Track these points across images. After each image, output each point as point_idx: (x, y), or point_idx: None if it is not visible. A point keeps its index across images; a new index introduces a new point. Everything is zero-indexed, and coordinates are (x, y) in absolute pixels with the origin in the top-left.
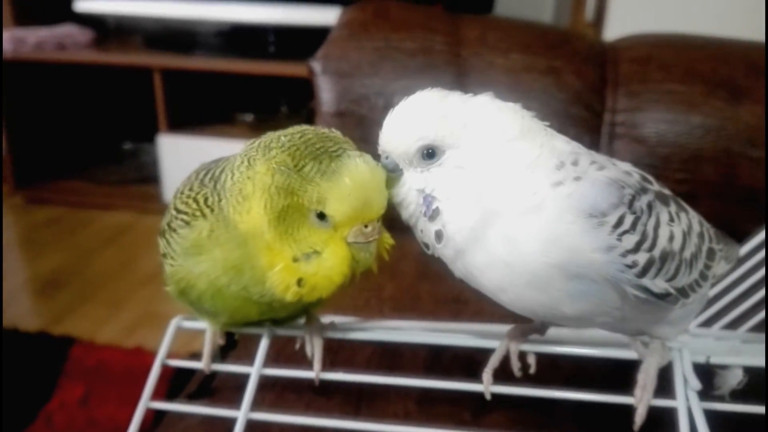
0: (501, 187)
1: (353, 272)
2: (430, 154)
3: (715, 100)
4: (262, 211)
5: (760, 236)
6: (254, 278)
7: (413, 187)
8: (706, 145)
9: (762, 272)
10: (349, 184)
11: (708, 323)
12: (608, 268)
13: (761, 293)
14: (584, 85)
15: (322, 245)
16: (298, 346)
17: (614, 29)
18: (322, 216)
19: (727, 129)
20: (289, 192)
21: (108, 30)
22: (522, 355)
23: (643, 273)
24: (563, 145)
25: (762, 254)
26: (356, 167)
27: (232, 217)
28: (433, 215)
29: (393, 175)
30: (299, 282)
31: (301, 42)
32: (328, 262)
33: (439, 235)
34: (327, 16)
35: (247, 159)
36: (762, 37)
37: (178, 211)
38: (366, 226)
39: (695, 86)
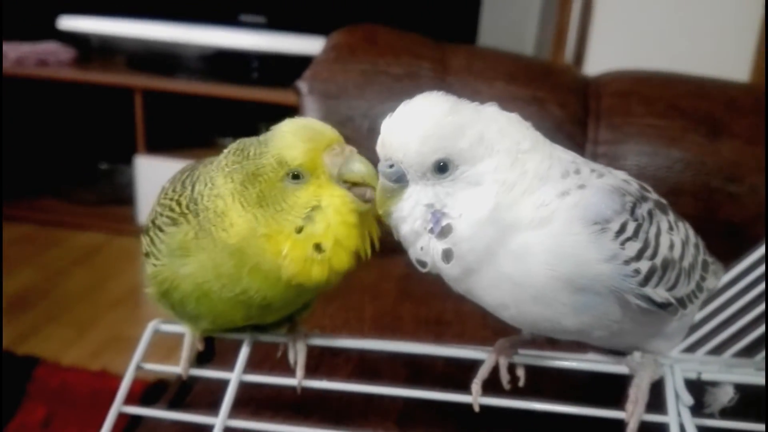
0: (516, 201)
1: (370, 231)
2: (442, 167)
3: (695, 135)
4: (243, 211)
5: (739, 267)
6: (257, 279)
7: (421, 201)
8: (685, 179)
9: (745, 300)
10: (289, 128)
11: (691, 349)
12: (612, 277)
13: (744, 320)
14: (567, 116)
15: (316, 198)
16: (279, 353)
17: (593, 69)
18: (295, 176)
19: (707, 164)
20: (252, 177)
21: (91, 49)
22: (511, 368)
23: (646, 281)
24: (564, 154)
25: (744, 283)
26: (288, 121)
27: (217, 236)
28: (444, 233)
29: (397, 185)
30: (318, 248)
31: (283, 69)
32: (331, 208)
33: (447, 254)
34: (310, 45)
35: (210, 180)
36: (737, 77)
37: (163, 207)
38: (333, 150)
39: (676, 121)
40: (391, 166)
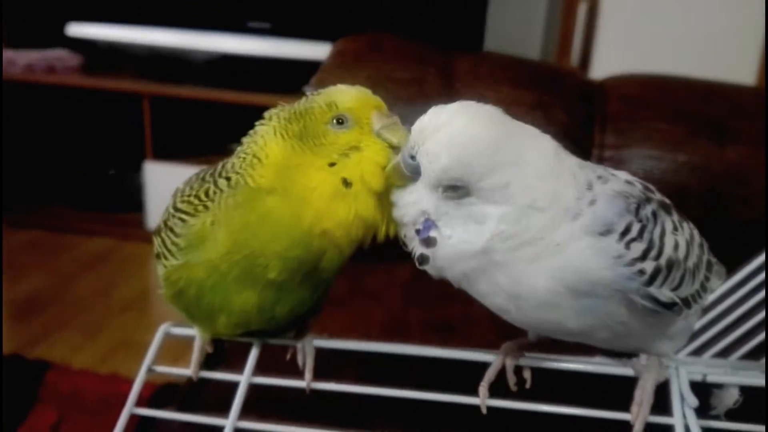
0: (510, 249)
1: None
2: (454, 187)
3: (700, 139)
4: (282, 141)
5: (745, 270)
6: (269, 228)
7: (419, 204)
8: (692, 182)
9: (750, 303)
10: (343, 85)
11: (698, 353)
12: (617, 279)
13: (750, 323)
14: (572, 121)
15: (357, 142)
16: (289, 356)
17: (599, 73)
18: (340, 122)
19: (713, 168)
20: (298, 115)
21: (99, 55)
22: (518, 370)
23: (651, 281)
24: (580, 175)
25: (749, 286)
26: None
27: (250, 180)
28: (427, 242)
29: (410, 175)
30: (346, 183)
31: (290, 75)
32: (370, 151)
33: (423, 259)
34: (316, 51)
35: (247, 139)
36: (743, 80)
37: (177, 209)
38: (382, 111)
39: (681, 125)
40: (413, 158)
